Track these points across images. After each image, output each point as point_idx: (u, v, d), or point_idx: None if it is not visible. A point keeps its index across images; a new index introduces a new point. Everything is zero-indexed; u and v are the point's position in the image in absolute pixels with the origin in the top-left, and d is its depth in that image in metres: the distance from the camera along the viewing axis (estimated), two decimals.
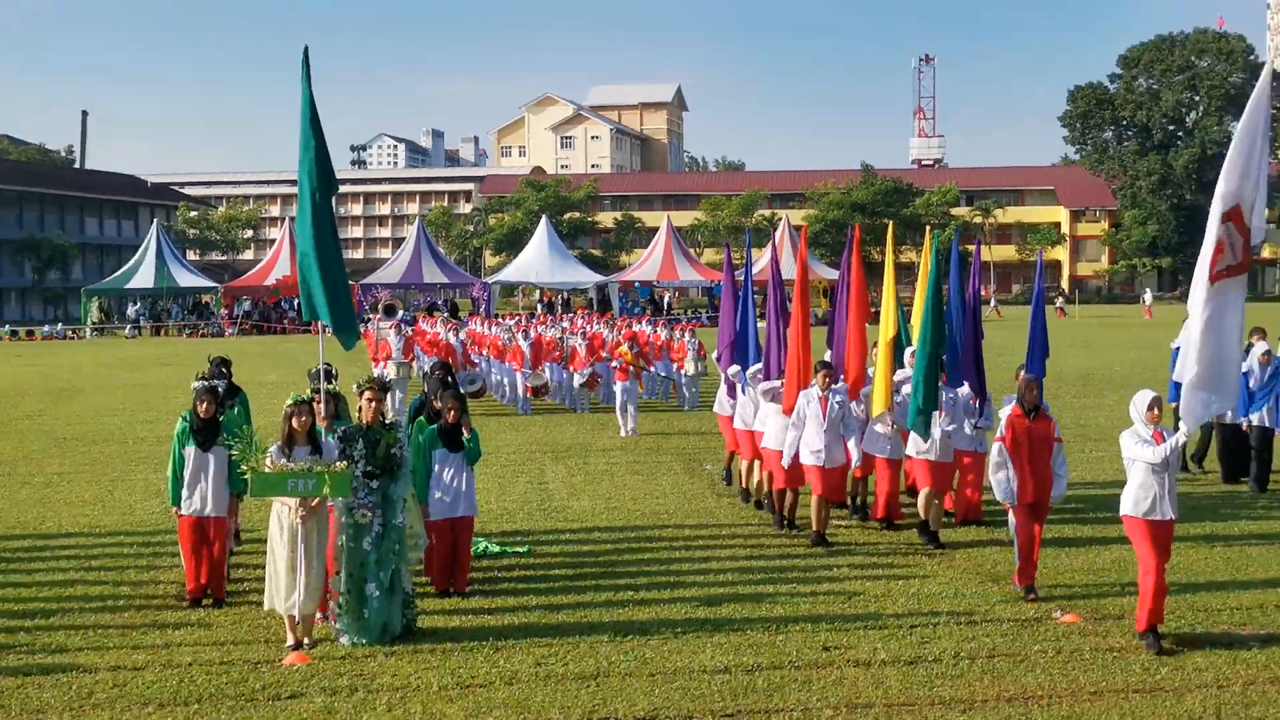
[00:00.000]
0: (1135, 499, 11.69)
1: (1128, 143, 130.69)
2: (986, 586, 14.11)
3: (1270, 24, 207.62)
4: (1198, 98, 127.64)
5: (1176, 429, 11.98)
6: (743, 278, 19.66)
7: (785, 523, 17.16)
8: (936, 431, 15.96)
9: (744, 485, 19.26)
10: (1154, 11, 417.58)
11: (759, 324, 18.83)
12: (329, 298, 12.60)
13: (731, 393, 19.44)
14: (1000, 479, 13.42)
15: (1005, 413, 15.31)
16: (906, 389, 16.43)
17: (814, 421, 15.86)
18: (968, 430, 16.74)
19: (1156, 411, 11.77)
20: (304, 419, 12.17)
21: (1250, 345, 21.41)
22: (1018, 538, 13.55)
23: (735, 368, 18.96)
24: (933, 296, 15.90)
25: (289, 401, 12.31)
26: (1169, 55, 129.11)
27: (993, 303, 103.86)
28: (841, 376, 16.96)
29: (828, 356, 17.89)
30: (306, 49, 12.58)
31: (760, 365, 18.27)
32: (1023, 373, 15.73)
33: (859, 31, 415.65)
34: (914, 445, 16.41)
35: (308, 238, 12.66)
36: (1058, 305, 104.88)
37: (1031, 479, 13.34)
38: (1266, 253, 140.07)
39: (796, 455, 16.32)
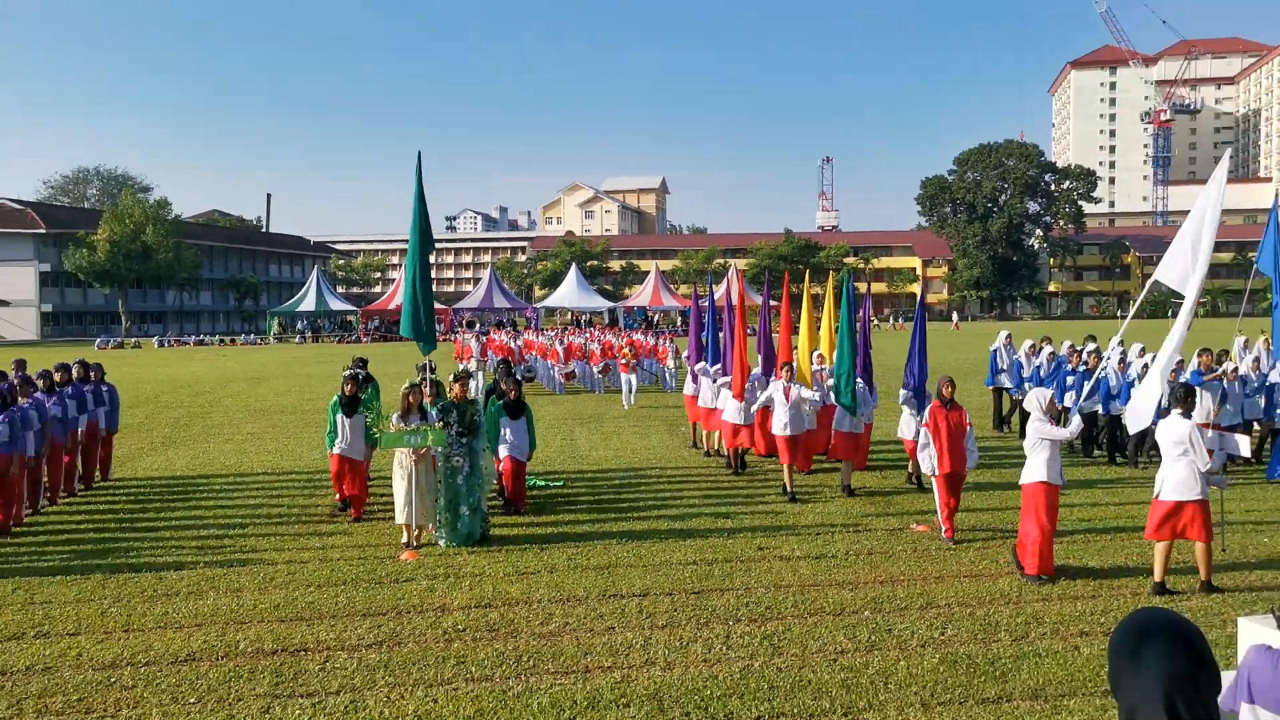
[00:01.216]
0: (1046, 470, 10.54)
1: (960, 215, 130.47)
2: (867, 508, 14.11)
3: (1054, 135, 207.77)
4: (1006, 185, 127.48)
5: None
6: (706, 304, 19.72)
7: (736, 468, 17.02)
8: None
9: (706, 446, 18.95)
10: (978, 126, 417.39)
11: (717, 335, 18.91)
12: (419, 320, 12.90)
13: (695, 380, 19.11)
14: (924, 456, 12.30)
15: (902, 397, 15.22)
16: (829, 384, 16.07)
17: (780, 405, 15.02)
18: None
19: (1053, 403, 11.05)
20: (415, 397, 12.51)
21: (1041, 347, 21.40)
22: (939, 501, 12.34)
23: (701, 364, 18.79)
24: (847, 321, 15.18)
25: (405, 386, 12.65)
26: (988, 157, 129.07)
27: (891, 320, 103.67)
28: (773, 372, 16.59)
29: (759, 358, 17.51)
30: (420, 153, 12.82)
31: (719, 365, 18.04)
32: (905, 373, 15.31)
33: (782, 140, 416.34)
34: (838, 422, 15.51)
35: (409, 280, 12.95)
36: (899, 322, 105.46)
37: (949, 455, 12.04)
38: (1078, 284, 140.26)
39: (752, 427, 16.48)
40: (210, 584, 10.50)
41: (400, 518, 12.07)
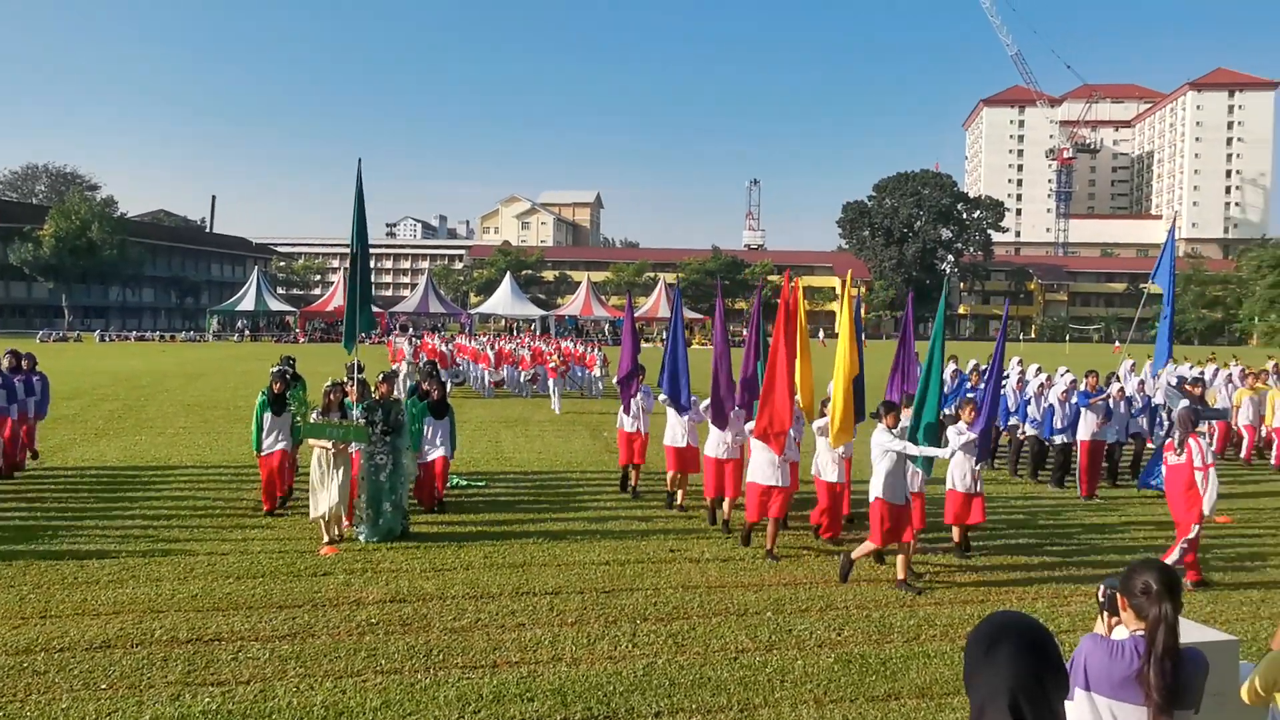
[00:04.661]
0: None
1: (878, 238, 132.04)
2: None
3: (967, 167, 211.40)
4: (921, 212, 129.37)
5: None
6: (678, 314, 16.23)
7: (723, 524, 13.05)
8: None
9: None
10: (897, 156, 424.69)
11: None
12: (353, 320, 12.79)
13: (627, 409, 15.29)
14: (1209, 498, 10.21)
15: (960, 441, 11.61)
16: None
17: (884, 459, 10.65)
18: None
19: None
20: (336, 395, 12.36)
21: (947, 365, 21.66)
22: (1190, 540, 10.34)
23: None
24: (939, 350, 10.82)
25: (327, 383, 12.47)
26: (905, 185, 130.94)
27: (822, 336, 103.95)
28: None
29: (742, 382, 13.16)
30: (360, 160, 12.72)
31: (709, 401, 13.17)
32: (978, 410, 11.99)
33: (712, 160, 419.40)
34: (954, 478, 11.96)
35: (354, 285, 12.85)
36: (825, 340, 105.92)
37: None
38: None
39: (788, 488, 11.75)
40: (130, 573, 10.22)
41: (315, 513, 11.82)
